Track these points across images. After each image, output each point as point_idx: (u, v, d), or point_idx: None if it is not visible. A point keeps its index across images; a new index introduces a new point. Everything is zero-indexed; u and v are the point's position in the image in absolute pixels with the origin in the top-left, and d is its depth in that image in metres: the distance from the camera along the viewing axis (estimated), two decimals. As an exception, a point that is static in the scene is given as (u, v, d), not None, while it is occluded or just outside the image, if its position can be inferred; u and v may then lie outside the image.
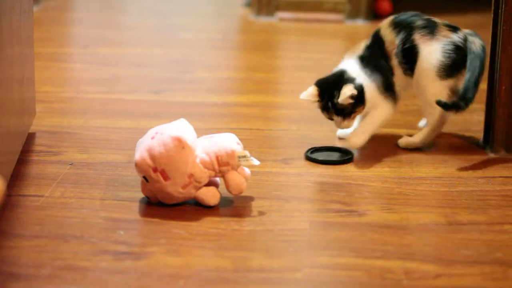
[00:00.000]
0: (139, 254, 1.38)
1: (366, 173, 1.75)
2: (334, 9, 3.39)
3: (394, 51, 1.86)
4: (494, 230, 1.49)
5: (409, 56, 1.85)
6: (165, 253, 1.38)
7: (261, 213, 1.54)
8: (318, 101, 1.82)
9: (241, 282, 1.30)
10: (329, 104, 1.80)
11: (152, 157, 1.51)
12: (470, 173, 1.76)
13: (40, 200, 1.58)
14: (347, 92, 1.76)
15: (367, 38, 1.91)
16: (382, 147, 1.90)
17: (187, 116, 1.69)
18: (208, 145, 1.54)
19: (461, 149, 1.90)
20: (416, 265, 1.36)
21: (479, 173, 1.76)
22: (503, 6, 1.79)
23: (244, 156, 1.53)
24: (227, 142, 1.55)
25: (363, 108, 1.82)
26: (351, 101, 1.78)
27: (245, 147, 1.59)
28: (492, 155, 1.86)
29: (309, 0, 3.42)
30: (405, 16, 1.92)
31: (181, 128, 1.53)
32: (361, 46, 1.88)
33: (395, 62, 1.86)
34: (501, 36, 1.81)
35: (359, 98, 1.79)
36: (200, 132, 1.62)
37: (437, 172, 1.76)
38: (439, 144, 1.94)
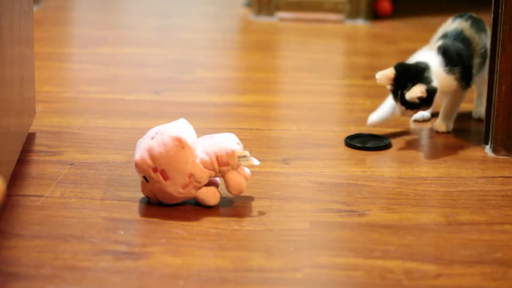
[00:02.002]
0: (139, 254, 1.38)
1: (366, 173, 1.75)
2: (334, 9, 3.39)
3: (480, 51, 1.98)
4: (494, 230, 1.49)
5: (484, 56, 1.99)
6: (165, 253, 1.38)
7: (261, 213, 1.54)
8: (391, 84, 1.88)
9: (241, 282, 1.30)
10: (399, 92, 1.87)
11: (152, 157, 1.51)
12: (470, 173, 1.76)
13: (40, 200, 1.58)
14: (417, 92, 1.82)
15: (438, 35, 2.02)
16: (382, 147, 1.90)
17: (187, 116, 1.69)
18: (208, 145, 1.54)
19: (461, 149, 1.90)
20: (416, 265, 1.36)
21: (479, 173, 1.76)
22: (503, 6, 1.79)
23: (244, 156, 1.53)
24: (227, 142, 1.55)
25: (427, 109, 1.89)
26: (417, 101, 1.84)
27: (245, 147, 1.59)
28: (492, 155, 1.86)
29: (309, 0, 3.42)
30: (475, 17, 2.07)
31: (181, 128, 1.53)
32: (439, 41, 1.96)
33: (477, 61, 1.98)
34: (501, 36, 1.81)
35: (427, 99, 1.85)
36: (200, 132, 1.62)
37: (437, 172, 1.76)
38: (439, 144, 1.94)
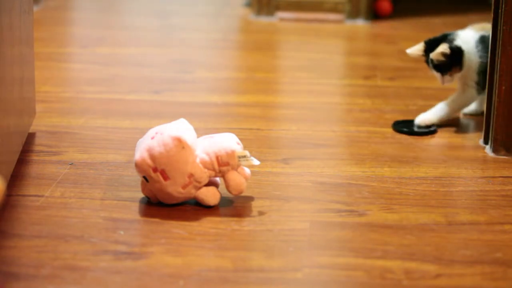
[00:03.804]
0: (139, 254, 1.38)
1: (366, 173, 1.75)
2: (334, 9, 3.39)
3: None
4: (494, 230, 1.49)
5: None
6: (165, 253, 1.38)
7: (261, 213, 1.54)
8: (423, 55, 2.00)
9: (241, 282, 1.30)
10: (429, 59, 1.98)
11: (152, 157, 1.51)
12: (470, 173, 1.76)
13: (40, 200, 1.58)
14: (439, 49, 1.93)
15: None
16: (382, 147, 1.90)
17: (187, 116, 1.69)
18: (208, 145, 1.54)
19: (461, 149, 1.90)
20: (416, 265, 1.36)
21: (479, 173, 1.76)
22: (503, 6, 1.79)
23: (244, 156, 1.53)
24: (227, 142, 1.55)
25: (460, 70, 1.97)
26: (443, 58, 1.94)
27: (245, 147, 1.59)
28: (492, 155, 1.86)
29: (309, 0, 3.41)
30: None
31: (181, 128, 1.53)
32: (486, 28, 2.02)
33: None
34: (501, 36, 1.81)
35: (456, 59, 1.95)
36: (200, 132, 1.62)
37: (437, 172, 1.76)
38: (439, 144, 1.94)
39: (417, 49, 2.00)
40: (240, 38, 3.27)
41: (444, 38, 1.99)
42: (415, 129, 2.00)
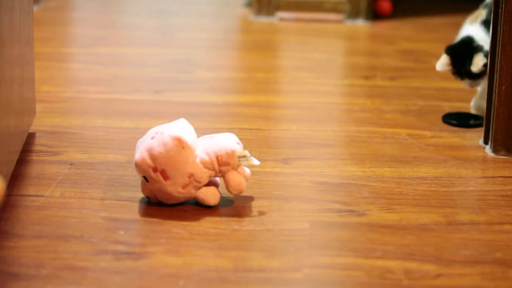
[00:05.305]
0: (139, 254, 1.38)
1: (366, 173, 1.75)
2: (334, 9, 3.39)
3: None
4: (494, 230, 1.49)
5: None
6: (165, 253, 1.38)
7: (261, 213, 1.54)
8: (451, 68, 2.03)
9: (241, 282, 1.30)
10: (462, 70, 2.00)
11: (152, 157, 1.51)
12: (470, 173, 1.76)
13: (40, 200, 1.58)
14: (480, 62, 1.97)
15: (485, 5, 2.09)
16: (382, 147, 1.90)
17: (187, 116, 1.69)
18: (208, 145, 1.54)
19: (461, 149, 1.90)
20: (416, 265, 1.36)
21: (479, 173, 1.76)
22: (503, 6, 1.79)
23: (244, 156, 1.53)
24: (227, 142, 1.55)
25: None
26: (483, 68, 1.97)
27: (245, 147, 1.59)
28: (492, 155, 1.86)
29: (309, 0, 3.42)
30: None
31: (181, 128, 1.53)
32: (482, 13, 2.07)
33: None
34: (501, 36, 1.81)
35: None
36: (200, 132, 1.62)
37: (437, 172, 1.76)
38: (439, 144, 1.94)
39: (444, 64, 2.02)
40: (240, 38, 3.27)
41: (466, 45, 2.00)
42: (470, 121, 2.05)
